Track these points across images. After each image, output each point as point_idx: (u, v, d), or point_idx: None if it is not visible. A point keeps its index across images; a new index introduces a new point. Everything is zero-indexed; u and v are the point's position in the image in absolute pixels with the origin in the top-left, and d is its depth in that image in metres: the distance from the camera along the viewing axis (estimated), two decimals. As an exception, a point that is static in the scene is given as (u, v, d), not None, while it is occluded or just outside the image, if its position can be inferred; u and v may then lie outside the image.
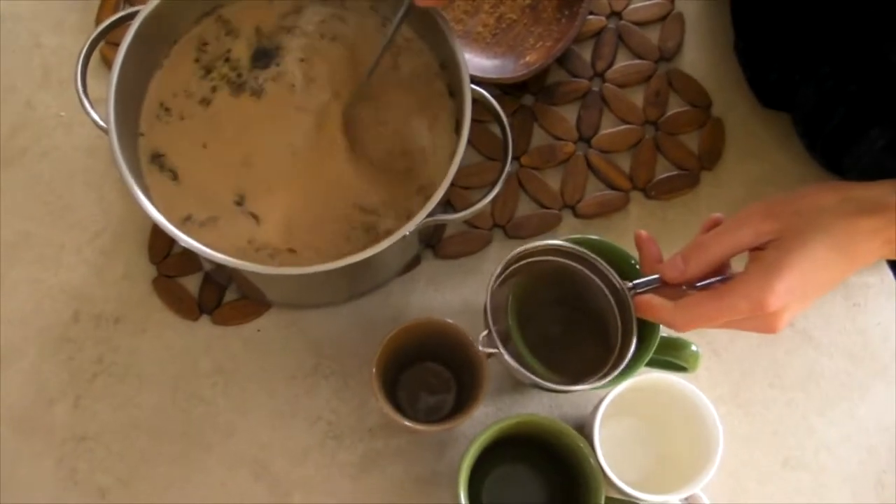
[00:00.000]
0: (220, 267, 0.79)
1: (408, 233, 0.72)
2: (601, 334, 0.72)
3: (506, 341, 0.72)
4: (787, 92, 0.88)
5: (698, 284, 0.68)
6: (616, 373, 0.69)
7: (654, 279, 0.69)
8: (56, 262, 0.87)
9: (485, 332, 0.70)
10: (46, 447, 0.82)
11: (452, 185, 0.87)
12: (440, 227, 0.88)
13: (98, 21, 0.94)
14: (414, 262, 0.88)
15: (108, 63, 0.91)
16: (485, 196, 0.76)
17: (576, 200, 0.90)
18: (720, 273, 0.68)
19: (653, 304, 0.67)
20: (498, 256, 0.88)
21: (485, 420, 0.84)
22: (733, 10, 0.94)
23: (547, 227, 0.90)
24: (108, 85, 0.73)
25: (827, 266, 0.63)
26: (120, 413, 0.83)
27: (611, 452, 0.76)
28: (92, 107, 0.75)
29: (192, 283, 0.87)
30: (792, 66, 0.86)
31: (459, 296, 0.87)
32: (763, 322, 0.64)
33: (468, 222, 0.89)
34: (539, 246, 0.71)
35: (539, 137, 0.92)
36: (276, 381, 0.85)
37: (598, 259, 0.71)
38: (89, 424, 0.83)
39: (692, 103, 0.94)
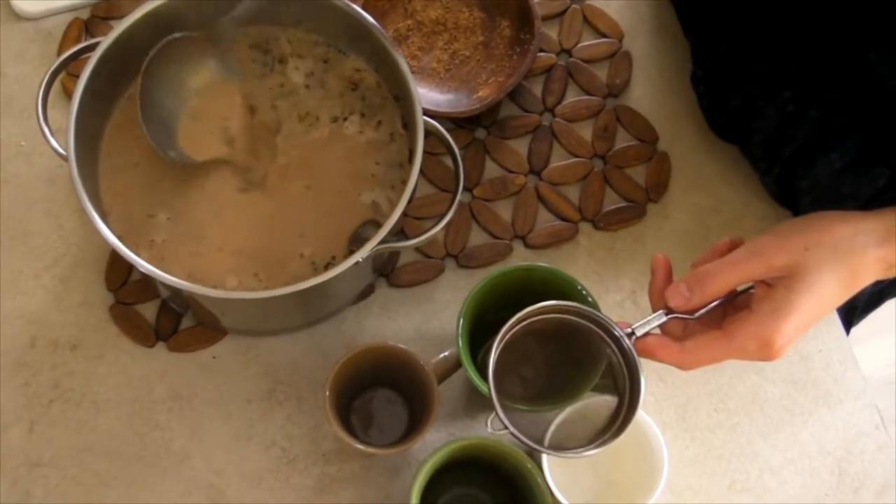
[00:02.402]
0: (176, 293, 0.80)
1: (360, 259, 0.74)
2: (604, 387, 0.70)
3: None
4: (746, 118, 0.90)
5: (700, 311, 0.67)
6: (629, 424, 0.67)
7: (652, 319, 0.67)
8: (14, 287, 0.87)
9: (492, 416, 0.67)
10: (1, 471, 0.83)
11: (406, 215, 0.90)
12: (394, 257, 0.90)
13: (60, 52, 0.95)
14: (368, 291, 0.90)
15: (68, 93, 0.93)
16: (436, 224, 0.78)
17: (526, 231, 0.93)
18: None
19: (658, 348, 0.66)
20: (450, 285, 0.91)
21: (438, 444, 0.85)
22: (691, 38, 0.97)
23: (498, 257, 0.92)
24: (68, 114, 0.75)
25: (833, 300, 0.64)
26: (75, 438, 0.84)
27: (559, 475, 0.78)
28: (52, 135, 0.77)
29: (149, 311, 0.88)
30: (754, 92, 0.88)
31: (412, 323, 0.89)
32: (764, 355, 0.64)
33: (421, 252, 0.91)
34: (534, 309, 0.68)
35: (491, 170, 0.95)
36: (231, 406, 0.86)
37: (596, 312, 0.68)
38: (44, 450, 0.83)
39: (639, 138, 0.97)
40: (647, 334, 0.67)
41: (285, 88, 0.85)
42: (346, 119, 0.85)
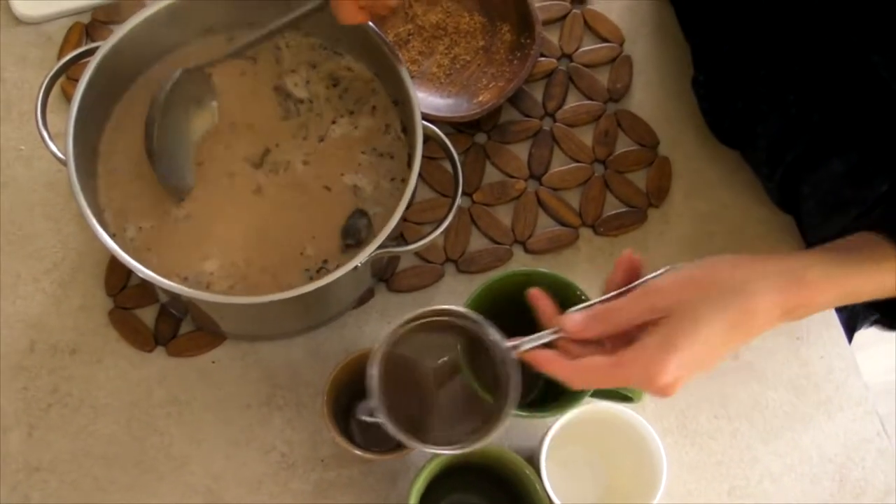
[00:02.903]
0: (175, 298, 0.80)
1: (359, 264, 0.74)
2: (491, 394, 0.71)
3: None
4: (749, 122, 0.89)
5: None
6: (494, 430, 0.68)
7: (542, 335, 0.67)
8: (13, 291, 0.87)
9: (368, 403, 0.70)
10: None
11: (405, 220, 0.90)
12: (393, 262, 0.90)
13: (60, 56, 0.95)
14: (367, 296, 0.90)
15: (68, 97, 0.93)
16: (436, 228, 0.78)
17: (526, 236, 0.93)
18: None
19: (550, 360, 0.66)
20: (450, 290, 0.90)
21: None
22: (693, 43, 0.97)
23: (498, 262, 0.92)
24: (67, 119, 0.75)
25: (723, 343, 0.63)
26: (74, 443, 0.84)
27: (558, 481, 0.78)
28: (51, 140, 0.77)
29: (148, 315, 0.88)
30: (758, 96, 0.88)
31: (412, 328, 0.89)
32: (655, 391, 0.64)
33: (421, 256, 0.91)
34: (425, 311, 0.70)
35: (491, 174, 0.95)
36: (230, 411, 0.86)
37: (481, 320, 0.69)
38: (43, 454, 0.83)
39: (640, 142, 0.97)
40: (536, 348, 0.67)
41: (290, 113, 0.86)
42: (334, 123, 0.85)
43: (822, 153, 0.83)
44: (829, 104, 0.83)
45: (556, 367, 0.66)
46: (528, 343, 0.68)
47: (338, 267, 0.74)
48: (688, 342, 0.62)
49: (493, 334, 0.68)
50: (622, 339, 0.65)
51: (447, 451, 0.70)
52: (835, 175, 0.82)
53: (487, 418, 0.69)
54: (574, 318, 0.66)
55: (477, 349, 0.71)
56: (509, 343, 0.68)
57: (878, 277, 0.66)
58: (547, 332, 0.68)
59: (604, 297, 0.67)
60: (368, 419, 0.69)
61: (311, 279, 0.77)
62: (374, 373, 0.68)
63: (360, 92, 0.86)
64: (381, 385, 0.68)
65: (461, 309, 0.70)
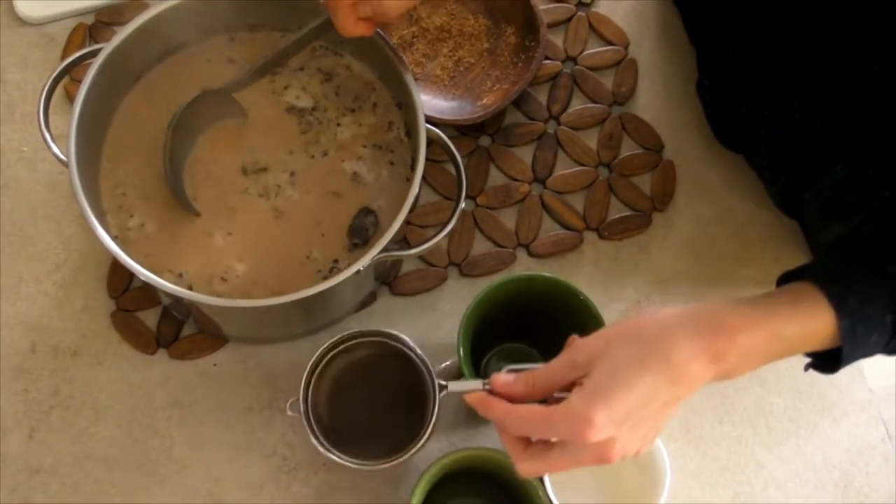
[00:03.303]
0: (178, 301, 0.80)
1: (362, 268, 0.73)
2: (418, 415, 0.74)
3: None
4: (752, 127, 0.89)
5: None
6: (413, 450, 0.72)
7: (475, 384, 0.67)
8: (14, 293, 0.87)
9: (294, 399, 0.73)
10: (0, 477, 0.82)
11: (409, 223, 0.89)
12: (396, 265, 0.90)
13: (63, 57, 0.95)
14: (370, 299, 0.89)
15: (71, 99, 0.93)
16: (438, 232, 0.77)
17: (530, 240, 0.92)
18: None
19: (491, 404, 0.65)
20: (453, 294, 0.90)
21: (438, 454, 0.84)
22: (698, 47, 0.97)
23: (502, 266, 0.91)
24: (69, 120, 0.75)
25: (654, 395, 0.61)
26: (75, 445, 0.84)
27: (561, 487, 0.77)
28: (53, 141, 0.77)
29: (150, 318, 0.88)
30: (761, 100, 0.87)
31: (414, 332, 0.88)
32: (594, 452, 0.62)
33: (424, 260, 0.91)
34: (355, 333, 0.74)
35: (495, 178, 0.94)
36: (231, 414, 0.85)
37: (417, 353, 0.73)
38: (44, 456, 0.83)
39: (644, 146, 0.96)
40: (463, 392, 0.68)
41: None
42: (340, 125, 0.85)
43: (825, 159, 0.83)
44: (831, 110, 0.82)
45: (493, 410, 0.65)
46: (455, 386, 0.69)
47: (349, 266, 0.74)
48: (613, 395, 0.60)
49: (428, 371, 0.72)
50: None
51: (356, 466, 0.72)
52: (837, 181, 0.82)
53: (402, 444, 0.72)
54: (502, 376, 0.66)
55: (410, 378, 0.74)
56: (439, 381, 0.71)
57: (806, 319, 0.65)
58: (476, 381, 0.68)
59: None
60: (290, 413, 0.73)
61: (325, 279, 0.77)
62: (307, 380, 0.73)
63: (358, 90, 0.85)
64: (314, 395, 0.74)
65: (404, 338, 0.73)
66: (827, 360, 0.69)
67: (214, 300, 0.74)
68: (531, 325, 0.84)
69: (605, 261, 0.93)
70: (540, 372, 0.65)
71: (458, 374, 0.79)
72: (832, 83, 0.81)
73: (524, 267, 0.92)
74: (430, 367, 0.72)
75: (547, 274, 0.80)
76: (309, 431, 0.72)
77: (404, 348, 0.73)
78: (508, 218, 0.93)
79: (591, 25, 1.00)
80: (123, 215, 0.80)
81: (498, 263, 0.91)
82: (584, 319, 0.78)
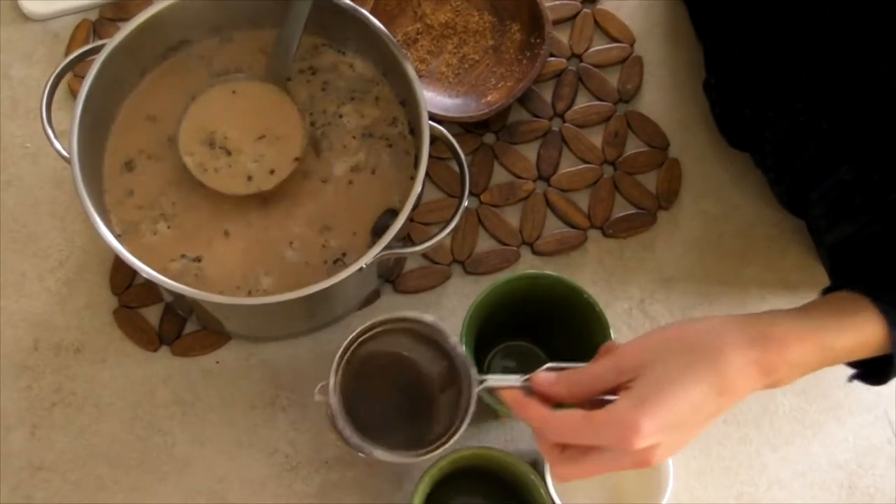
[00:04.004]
0: (180, 298, 0.80)
1: (364, 265, 0.73)
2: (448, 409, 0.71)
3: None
4: (757, 128, 0.89)
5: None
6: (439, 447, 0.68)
7: (514, 379, 0.66)
8: (17, 289, 0.87)
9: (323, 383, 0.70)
10: (2, 475, 0.82)
11: (412, 220, 0.89)
12: (400, 262, 0.90)
13: (67, 53, 0.95)
14: (373, 296, 0.89)
15: (75, 95, 0.92)
16: (442, 229, 0.77)
17: (534, 238, 0.92)
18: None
19: (525, 404, 0.64)
20: (457, 292, 0.90)
21: (441, 453, 0.84)
22: (705, 46, 0.96)
23: (506, 264, 0.91)
24: (72, 116, 0.75)
25: (703, 405, 0.61)
26: (77, 442, 0.84)
27: (563, 486, 0.77)
28: (56, 138, 0.76)
29: (152, 314, 0.87)
30: (766, 102, 0.87)
31: (418, 329, 0.88)
32: (634, 458, 0.61)
33: (428, 258, 0.91)
34: (387, 318, 0.70)
35: (499, 175, 0.94)
36: (234, 411, 0.85)
37: (451, 342, 0.69)
38: (46, 453, 0.83)
39: (650, 144, 0.96)
40: (499, 388, 0.66)
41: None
42: (342, 117, 0.84)
43: (831, 160, 0.82)
44: (837, 112, 0.82)
45: (530, 413, 0.63)
46: (494, 380, 0.67)
47: (355, 260, 0.74)
48: (661, 403, 0.59)
49: (465, 362, 0.68)
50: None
51: (390, 459, 0.69)
52: (843, 182, 0.81)
53: (437, 436, 0.69)
54: (543, 374, 0.65)
55: (443, 365, 0.71)
56: (478, 376, 0.67)
57: (856, 330, 0.65)
58: (516, 377, 0.66)
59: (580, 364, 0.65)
60: (318, 398, 0.70)
61: (331, 270, 0.77)
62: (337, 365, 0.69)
63: (351, 83, 0.85)
64: (343, 384, 0.69)
65: (438, 325, 0.69)
66: (874, 371, 0.68)
67: (217, 297, 0.74)
68: (535, 323, 0.84)
69: (610, 259, 0.92)
70: (583, 374, 0.64)
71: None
72: (838, 86, 0.81)
73: (528, 265, 0.92)
74: (467, 359, 0.69)
75: (551, 272, 0.79)
76: (339, 418, 0.68)
77: (439, 338, 0.70)
78: (512, 216, 0.93)
79: (596, 22, 1.00)
80: (126, 211, 0.80)
81: (502, 261, 0.91)
82: (587, 318, 0.77)
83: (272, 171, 0.80)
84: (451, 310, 0.89)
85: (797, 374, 0.64)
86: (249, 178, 0.80)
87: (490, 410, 0.77)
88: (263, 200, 0.81)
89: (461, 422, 0.68)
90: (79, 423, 0.84)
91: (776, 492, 0.87)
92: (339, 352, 0.69)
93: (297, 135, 0.81)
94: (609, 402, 0.61)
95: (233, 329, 0.86)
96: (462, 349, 0.69)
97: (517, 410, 0.64)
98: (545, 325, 0.83)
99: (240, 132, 0.81)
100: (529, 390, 0.65)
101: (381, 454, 0.68)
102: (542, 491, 0.75)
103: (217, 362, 0.87)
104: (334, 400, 0.68)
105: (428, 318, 0.69)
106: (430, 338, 0.71)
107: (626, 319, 0.90)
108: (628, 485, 0.83)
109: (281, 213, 0.82)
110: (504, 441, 0.86)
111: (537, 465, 0.79)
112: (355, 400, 0.71)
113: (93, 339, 0.86)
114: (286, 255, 0.80)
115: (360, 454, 0.69)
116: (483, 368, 0.85)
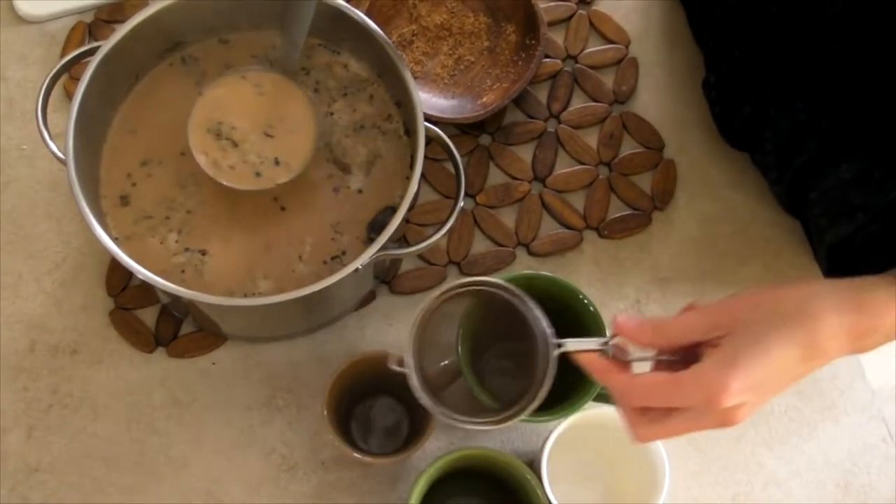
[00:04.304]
0: (176, 299, 0.80)
1: (360, 266, 0.73)
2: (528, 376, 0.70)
3: (455, 376, 0.73)
4: (758, 126, 0.89)
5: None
6: (513, 416, 0.67)
7: (594, 341, 0.66)
8: (14, 291, 0.87)
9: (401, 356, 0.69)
10: (-2, 477, 0.83)
11: (408, 221, 0.89)
12: (396, 263, 0.90)
13: (63, 55, 0.95)
14: (369, 297, 0.89)
15: (71, 97, 0.92)
16: (438, 230, 0.77)
17: (530, 239, 0.92)
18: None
19: (607, 369, 0.64)
20: (453, 292, 0.90)
21: (437, 453, 0.84)
22: (706, 45, 0.96)
23: (501, 265, 0.91)
24: (67, 118, 0.75)
25: (793, 367, 0.61)
26: (73, 444, 0.84)
27: (559, 486, 0.77)
28: (52, 139, 0.77)
29: (149, 316, 0.88)
30: (766, 100, 0.87)
31: (413, 330, 0.89)
32: (720, 417, 0.61)
33: (423, 258, 0.91)
34: (480, 280, 0.69)
35: (495, 176, 0.94)
36: (230, 412, 0.85)
37: (535, 306, 0.68)
38: (43, 455, 0.83)
39: (645, 145, 0.96)
40: (579, 352, 0.66)
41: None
42: (333, 115, 0.84)
43: (830, 159, 0.82)
44: (838, 110, 0.82)
45: (612, 378, 0.63)
46: (573, 344, 0.66)
47: (353, 259, 0.74)
48: (753, 363, 0.59)
49: (542, 324, 0.67)
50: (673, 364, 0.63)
51: (469, 426, 0.68)
52: (843, 181, 0.82)
53: (509, 405, 0.68)
54: (629, 318, 0.64)
55: (514, 331, 0.70)
56: (555, 339, 0.66)
57: None
58: (594, 339, 0.66)
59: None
60: (397, 368, 0.69)
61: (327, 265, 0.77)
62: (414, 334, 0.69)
63: (344, 82, 0.85)
64: (418, 348, 0.69)
65: (517, 290, 0.68)
66: None
67: (213, 298, 0.74)
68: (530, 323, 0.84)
69: (605, 260, 0.93)
70: (672, 324, 0.63)
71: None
72: (840, 84, 0.81)
73: (524, 266, 0.92)
74: (546, 322, 0.67)
75: (546, 273, 0.79)
76: (419, 386, 0.68)
77: (515, 301, 0.68)
78: (508, 217, 0.93)
79: (591, 24, 1.00)
80: (122, 212, 0.80)
81: (497, 262, 0.91)
82: (583, 319, 0.78)
83: (283, 165, 0.79)
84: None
85: (881, 342, 0.64)
86: (258, 174, 0.79)
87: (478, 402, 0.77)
88: (272, 201, 0.82)
89: (539, 386, 0.66)
90: (75, 424, 0.84)
91: (772, 491, 0.87)
92: (416, 321, 0.69)
93: (310, 129, 0.80)
94: (673, 361, 0.63)
95: (229, 330, 0.86)
96: (540, 311, 0.67)
97: (597, 375, 0.64)
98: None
99: (250, 124, 0.80)
100: (606, 354, 0.65)
101: (461, 420, 0.68)
102: (539, 491, 0.75)
103: (213, 363, 0.87)
104: (411, 362, 0.68)
105: (502, 281, 0.68)
106: (499, 303, 0.69)
107: (621, 320, 0.90)
108: (624, 484, 0.83)
109: (287, 215, 0.82)
110: (500, 441, 0.87)
111: (534, 465, 0.79)
112: (427, 369, 0.70)
113: (89, 340, 0.87)
114: (291, 259, 0.80)
115: (440, 419, 0.69)
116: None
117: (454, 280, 0.70)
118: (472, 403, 0.71)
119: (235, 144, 0.79)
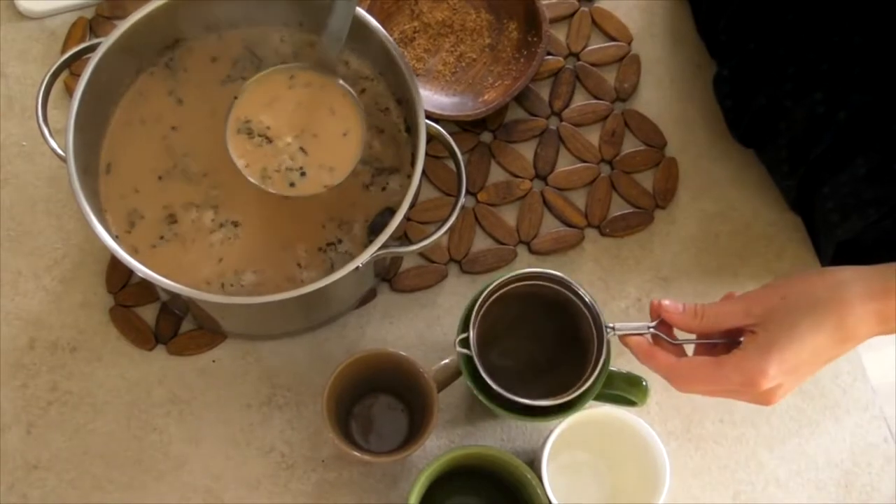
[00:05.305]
0: (176, 297, 0.79)
1: (361, 264, 0.73)
2: (579, 364, 0.75)
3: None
4: (771, 119, 0.88)
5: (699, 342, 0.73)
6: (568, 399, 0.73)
7: (641, 326, 0.73)
8: (13, 288, 0.87)
9: (464, 335, 0.74)
10: (-2, 474, 0.83)
11: (409, 219, 0.89)
12: (396, 261, 0.89)
13: (63, 51, 0.95)
14: (370, 295, 0.89)
15: (71, 93, 0.92)
16: (439, 228, 0.77)
17: (531, 237, 0.92)
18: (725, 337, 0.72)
19: (653, 353, 0.71)
20: (453, 291, 0.90)
21: (437, 452, 0.85)
22: (718, 38, 0.95)
23: (502, 263, 0.91)
24: (67, 115, 0.74)
25: (826, 350, 0.67)
26: (73, 441, 0.84)
27: (560, 485, 0.77)
28: (52, 136, 0.76)
29: (148, 313, 0.87)
30: (783, 92, 0.86)
31: (414, 329, 0.88)
32: (758, 397, 0.69)
33: (424, 256, 0.91)
34: (532, 272, 0.76)
35: (496, 174, 0.94)
36: (230, 410, 0.85)
37: (587, 293, 0.75)
38: (42, 452, 0.83)
39: (647, 142, 0.96)
40: (628, 335, 0.73)
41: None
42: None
43: (846, 153, 0.82)
44: (856, 103, 0.81)
45: (659, 361, 0.70)
46: (622, 326, 0.73)
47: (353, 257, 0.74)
48: (788, 349, 0.66)
49: (595, 309, 0.74)
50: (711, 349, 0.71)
51: (532, 402, 0.73)
52: (857, 176, 0.81)
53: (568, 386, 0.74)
54: (673, 304, 0.71)
55: (566, 318, 0.77)
56: (611, 324, 0.73)
57: None
58: (643, 323, 0.73)
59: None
60: (461, 350, 0.74)
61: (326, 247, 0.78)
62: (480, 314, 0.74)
63: (345, 77, 0.84)
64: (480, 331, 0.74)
65: (569, 280, 0.75)
66: None
67: (212, 297, 0.74)
68: (531, 321, 0.84)
69: (607, 258, 0.92)
70: (713, 310, 0.70)
71: (456, 373, 0.78)
72: (859, 77, 0.81)
73: (525, 264, 0.92)
74: (597, 310, 0.74)
75: (550, 271, 0.79)
76: (480, 368, 0.73)
77: (565, 289, 0.75)
78: (509, 215, 0.93)
79: (593, 21, 1.00)
80: (123, 209, 0.80)
81: (498, 260, 0.91)
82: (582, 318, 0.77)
83: (331, 169, 0.78)
84: (447, 309, 0.89)
85: None
86: (296, 179, 0.78)
87: (487, 410, 0.77)
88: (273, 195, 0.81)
89: (593, 368, 0.73)
90: (75, 421, 0.84)
91: (773, 490, 0.87)
92: (476, 307, 0.74)
93: (357, 132, 0.78)
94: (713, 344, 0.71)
95: (229, 328, 0.86)
96: (591, 297, 0.74)
97: (644, 359, 0.72)
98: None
99: (288, 126, 0.78)
100: (653, 339, 0.72)
101: (529, 404, 0.73)
102: (539, 490, 0.75)
103: (213, 361, 0.87)
104: (473, 348, 0.74)
105: (554, 272, 0.75)
106: (556, 292, 0.76)
107: (623, 319, 0.90)
108: (625, 484, 0.83)
109: (288, 211, 0.81)
110: (500, 440, 0.86)
111: (534, 464, 0.79)
112: (484, 355, 0.76)
113: (89, 337, 0.86)
114: (290, 257, 0.80)
115: (518, 400, 0.73)
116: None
117: (506, 273, 0.76)
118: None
119: (270, 140, 0.78)
